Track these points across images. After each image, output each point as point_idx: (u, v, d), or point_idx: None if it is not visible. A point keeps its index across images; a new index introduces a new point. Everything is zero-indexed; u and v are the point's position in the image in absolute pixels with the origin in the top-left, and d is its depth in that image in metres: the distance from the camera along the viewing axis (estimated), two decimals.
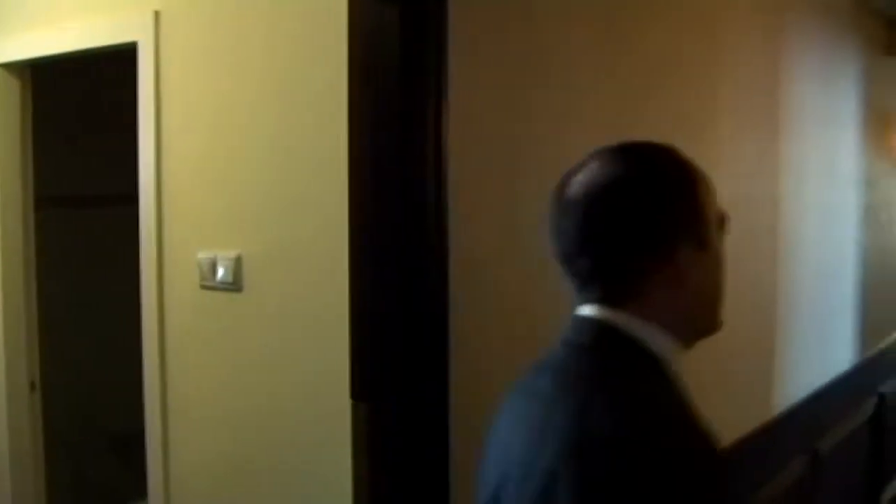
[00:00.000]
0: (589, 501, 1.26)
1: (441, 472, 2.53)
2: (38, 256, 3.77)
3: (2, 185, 3.66)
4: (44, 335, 3.80)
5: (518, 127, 2.81)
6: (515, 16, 2.79)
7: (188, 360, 3.03)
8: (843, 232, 5.78)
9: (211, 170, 2.92)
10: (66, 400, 4.26)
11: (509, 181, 2.80)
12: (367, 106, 2.45)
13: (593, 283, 1.46)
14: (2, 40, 3.57)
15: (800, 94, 4.94)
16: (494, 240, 2.74)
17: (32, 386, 3.74)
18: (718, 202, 1.54)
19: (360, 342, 2.50)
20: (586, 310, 1.47)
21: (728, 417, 4.21)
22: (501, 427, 1.55)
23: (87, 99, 4.43)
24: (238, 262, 2.84)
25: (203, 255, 2.92)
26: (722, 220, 1.53)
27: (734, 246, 4.48)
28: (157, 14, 3.01)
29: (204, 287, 2.94)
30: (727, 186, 4.06)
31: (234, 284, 2.86)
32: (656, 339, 1.43)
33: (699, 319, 1.50)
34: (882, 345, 6.40)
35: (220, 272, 2.88)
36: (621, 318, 1.43)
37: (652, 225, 1.43)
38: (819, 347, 5.35)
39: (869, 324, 6.11)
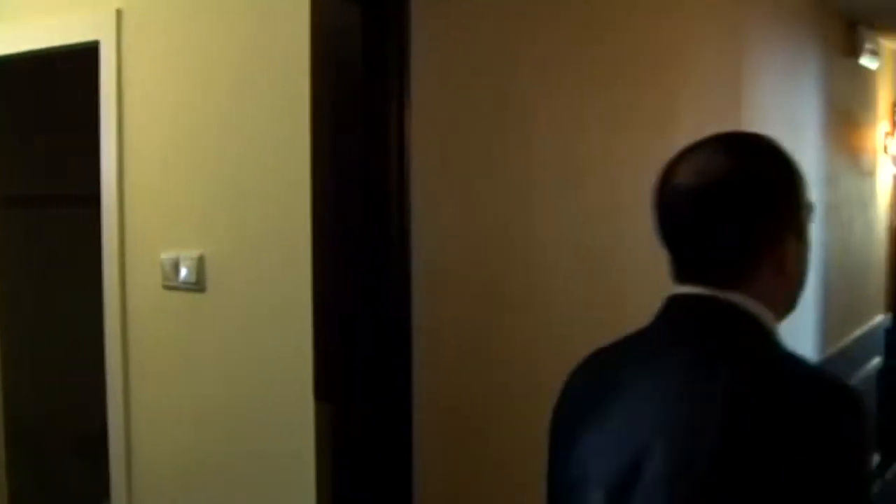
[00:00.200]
0: (778, 452, 1.36)
1: (404, 472, 2.53)
2: None
3: None
4: (5, 336, 3.77)
5: (481, 124, 2.82)
6: (478, 14, 2.80)
7: (151, 361, 3.01)
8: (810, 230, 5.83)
9: (173, 169, 2.91)
10: (30, 401, 4.23)
11: (473, 178, 2.81)
12: (329, 105, 2.45)
13: (708, 265, 1.55)
14: None
15: (762, 94, 4.98)
16: (458, 238, 2.75)
17: None
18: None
19: (323, 342, 2.50)
20: (696, 289, 1.56)
21: None
22: (613, 406, 1.58)
23: (43, 98, 4.39)
24: (201, 261, 2.83)
25: (166, 255, 2.91)
26: (810, 211, 1.64)
27: None
28: (119, 12, 3.00)
29: (167, 287, 2.92)
30: None
31: (197, 284, 2.85)
32: (766, 317, 1.55)
33: (790, 302, 1.63)
34: (843, 342, 6.47)
35: (183, 272, 2.87)
36: (736, 297, 1.52)
37: (769, 216, 1.54)
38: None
39: (830, 321, 6.17)
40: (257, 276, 2.71)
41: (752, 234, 1.53)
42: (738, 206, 1.52)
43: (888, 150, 7.56)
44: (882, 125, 7.41)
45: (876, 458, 6.55)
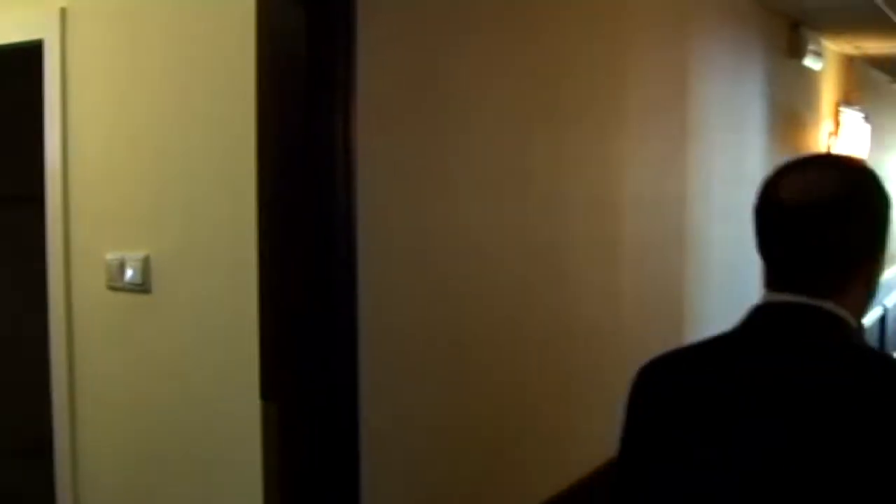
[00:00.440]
0: None
1: (352, 471, 2.54)
2: None
3: None
4: None
5: (427, 124, 2.84)
6: (423, 16, 2.81)
7: (97, 363, 2.99)
8: (751, 231, 5.89)
9: (118, 169, 2.89)
10: None
11: (419, 179, 2.82)
12: (274, 105, 2.45)
13: (811, 275, 1.64)
14: None
15: (707, 94, 5.03)
16: (404, 238, 2.76)
17: None
18: None
19: (269, 343, 2.50)
20: (797, 298, 1.65)
21: None
22: (727, 415, 1.64)
23: None
24: (146, 262, 2.82)
25: (111, 255, 2.89)
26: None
27: (642, 246, 4.58)
28: (63, 11, 2.97)
29: (112, 288, 2.90)
30: (635, 187, 4.16)
31: (143, 285, 2.83)
32: (853, 322, 1.65)
33: (864, 314, 1.72)
34: None
35: (129, 273, 2.85)
36: (829, 305, 1.63)
37: (871, 233, 1.67)
38: None
39: None
40: (203, 276, 2.70)
41: (855, 248, 1.65)
42: (849, 222, 1.63)
43: (832, 150, 7.66)
44: (826, 125, 7.52)
45: None
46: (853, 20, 6.53)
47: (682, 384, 1.75)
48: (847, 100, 8.01)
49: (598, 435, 3.92)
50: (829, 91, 7.61)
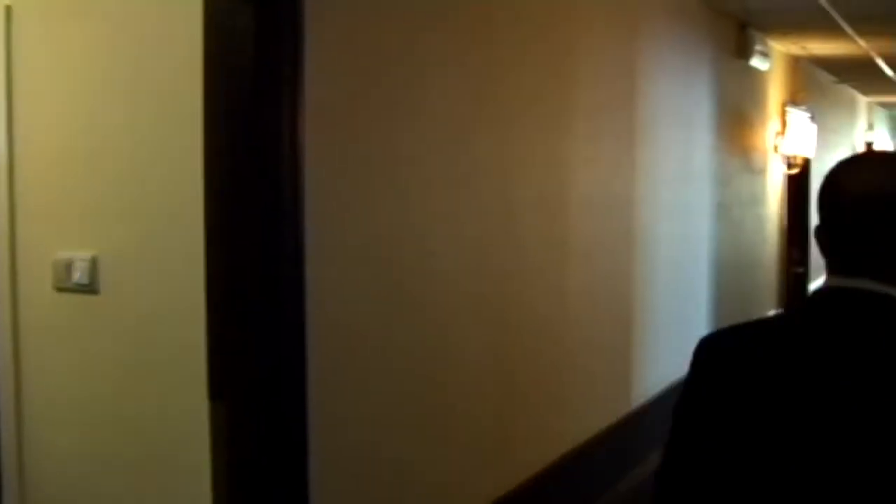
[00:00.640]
0: None
1: (300, 470, 2.54)
2: None
3: None
4: None
5: (374, 124, 2.85)
6: (371, 16, 2.82)
7: (44, 364, 2.97)
8: (698, 229, 5.97)
9: (66, 169, 2.87)
10: None
11: (367, 178, 2.83)
12: (221, 104, 2.45)
13: (873, 264, 1.77)
14: None
15: (656, 94, 5.08)
16: (353, 237, 2.77)
17: None
18: None
19: (217, 343, 2.50)
20: (864, 283, 1.77)
21: (588, 412, 4.32)
22: (794, 393, 1.76)
23: None
24: (94, 262, 2.80)
25: (58, 256, 2.87)
26: None
27: (591, 244, 4.61)
28: (8, 9, 2.94)
29: (59, 289, 2.88)
30: (583, 186, 4.19)
31: (90, 286, 2.81)
32: None
33: None
34: None
35: (76, 274, 2.83)
36: (892, 290, 1.76)
37: None
38: (676, 340, 5.50)
39: (722, 317, 6.31)
40: (151, 277, 2.69)
41: None
42: None
43: (779, 149, 7.76)
44: (772, 125, 7.61)
45: None
46: (799, 21, 6.62)
47: (750, 361, 1.85)
48: (793, 99, 8.12)
49: (547, 434, 3.97)
50: (775, 91, 7.70)
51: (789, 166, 8.06)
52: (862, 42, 7.29)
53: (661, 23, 5.18)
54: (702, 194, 5.98)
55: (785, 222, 8.15)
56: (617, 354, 4.64)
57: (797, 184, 8.38)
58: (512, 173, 3.57)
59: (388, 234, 2.92)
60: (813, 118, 8.36)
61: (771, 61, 7.21)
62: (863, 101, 13.02)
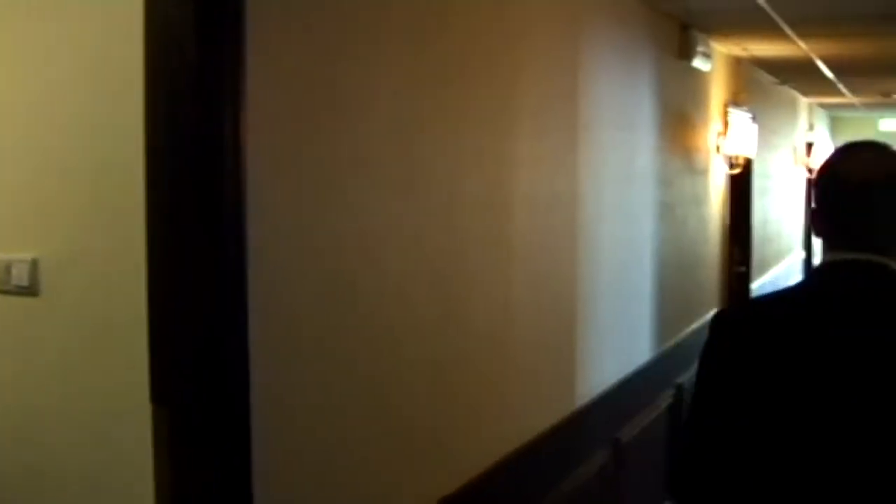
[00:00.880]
0: None
1: (244, 474, 2.52)
2: None
3: None
4: None
5: (318, 125, 2.84)
6: (313, 13, 2.81)
7: None
8: (641, 229, 6.01)
9: (3, 169, 2.82)
10: None
11: (310, 179, 2.82)
12: (162, 105, 2.43)
13: (870, 239, 2.02)
14: None
15: (598, 94, 5.10)
16: (296, 238, 2.76)
17: None
18: None
19: (159, 346, 2.48)
20: (864, 255, 2.03)
21: (532, 410, 4.33)
22: (808, 359, 1.99)
23: None
24: (34, 264, 2.76)
25: None
26: None
27: (534, 245, 4.62)
28: None
29: None
30: (526, 186, 4.20)
31: (30, 288, 2.77)
32: None
33: None
34: (677, 338, 6.68)
35: (15, 276, 2.79)
36: (892, 263, 2.03)
37: None
38: (620, 340, 5.54)
39: (665, 317, 6.37)
40: (92, 280, 2.66)
41: None
42: None
43: (721, 149, 7.84)
44: (714, 125, 7.68)
45: None
46: (740, 22, 6.69)
47: (764, 333, 2.06)
48: (735, 100, 8.20)
49: (491, 433, 3.97)
50: (717, 91, 7.78)
51: (731, 166, 8.14)
52: (802, 44, 7.39)
53: (603, 23, 5.21)
54: (645, 194, 6.02)
55: (727, 222, 8.24)
56: (560, 354, 4.65)
57: (739, 183, 8.47)
58: (456, 173, 3.57)
59: (332, 237, 2.91)
60: (754, 119, 8.45)
61: (713, 62, 7.28)
62: (804, 101, 13.19)
